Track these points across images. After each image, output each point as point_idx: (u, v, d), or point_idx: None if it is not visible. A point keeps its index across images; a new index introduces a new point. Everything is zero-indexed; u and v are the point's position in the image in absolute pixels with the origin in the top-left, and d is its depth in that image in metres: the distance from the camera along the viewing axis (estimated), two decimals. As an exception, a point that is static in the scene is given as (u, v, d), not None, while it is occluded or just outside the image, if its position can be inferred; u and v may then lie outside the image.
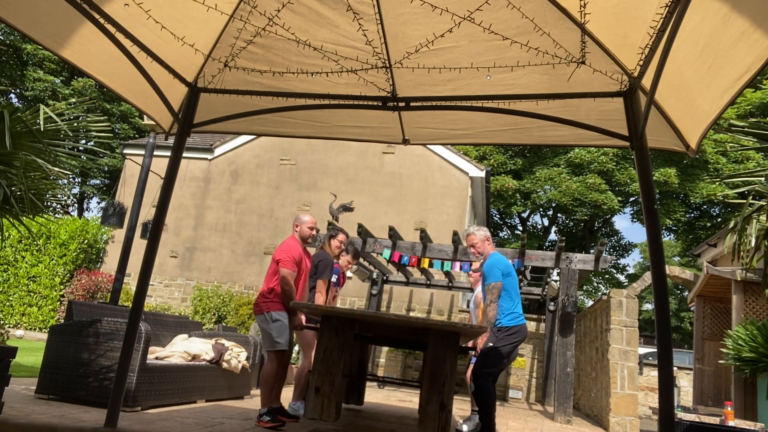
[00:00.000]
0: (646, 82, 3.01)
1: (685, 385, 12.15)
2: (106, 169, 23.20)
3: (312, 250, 5.08)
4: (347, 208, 12.82)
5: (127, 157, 14.01)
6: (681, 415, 5.84)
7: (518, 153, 20.75)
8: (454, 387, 3.35)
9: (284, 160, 13.63)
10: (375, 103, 3.83)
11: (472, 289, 5.86)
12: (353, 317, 3.30)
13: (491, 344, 4.19)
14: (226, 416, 4.26)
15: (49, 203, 4.43)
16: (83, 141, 18.62)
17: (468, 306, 8.25)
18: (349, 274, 12.11)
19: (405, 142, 4.25)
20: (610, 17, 2.85)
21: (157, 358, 4.56)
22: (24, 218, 3.99)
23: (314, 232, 4.38)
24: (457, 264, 8.43)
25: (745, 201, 4.58)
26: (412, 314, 12.03)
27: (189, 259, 13.45)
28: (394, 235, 8.38)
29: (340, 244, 5.06)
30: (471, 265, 6.07)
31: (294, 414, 4.33)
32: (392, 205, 12.72)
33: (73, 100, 17.96)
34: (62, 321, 6.50)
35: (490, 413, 4.10)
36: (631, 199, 21.34)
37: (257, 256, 13.14)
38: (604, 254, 7.76)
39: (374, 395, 7.65)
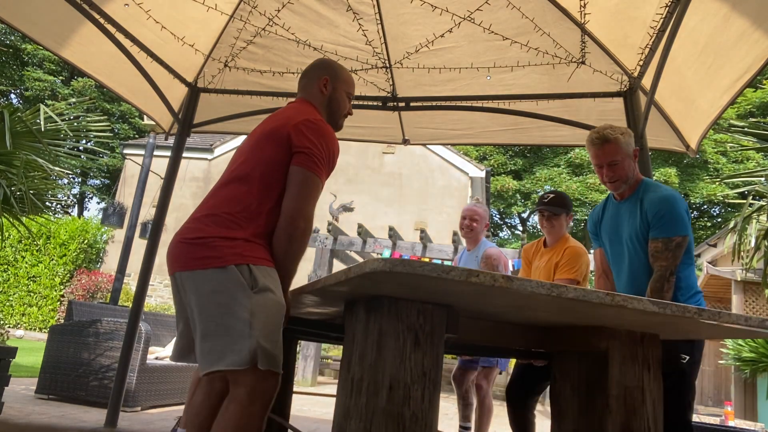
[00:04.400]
0: (646, 82, 3.01)
1: (685, 385, 12.14)
2: (106, 169, 23.21)
3: None
4: (347, 208, 12.82)
5: (127, 157, 14.01)
6: (681, 415, 5.83)
7: (518, 153, 20.77)
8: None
9: (284, 160, 13.63)
10: (375, 103, 3.83)
11: None
12: (450, 301, 1.43)
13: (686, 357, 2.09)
14: (226, 416, 4.25)
15: (49, 203, 4.42)
16: (83, 141, 18.62)
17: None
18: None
19: (405, 142, 4.25)
20: (610, 17, 2.85)
21: (157, 358, 4.56)
22: (24, 218, 3.99)
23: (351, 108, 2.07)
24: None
25: (745, 201, 4.58)
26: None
27: (189, 259, 13.45)
28: (394, 235, 8.38)
29: None
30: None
31: None
32: (392, 205, 12.72)
33: (73, 100, 17.98)
34: (62, 321, 6.49)
35: None
36: (631, 199, 21.31)
37: (257, 256, 13.14)
38: (604, 254, 7.74)
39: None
